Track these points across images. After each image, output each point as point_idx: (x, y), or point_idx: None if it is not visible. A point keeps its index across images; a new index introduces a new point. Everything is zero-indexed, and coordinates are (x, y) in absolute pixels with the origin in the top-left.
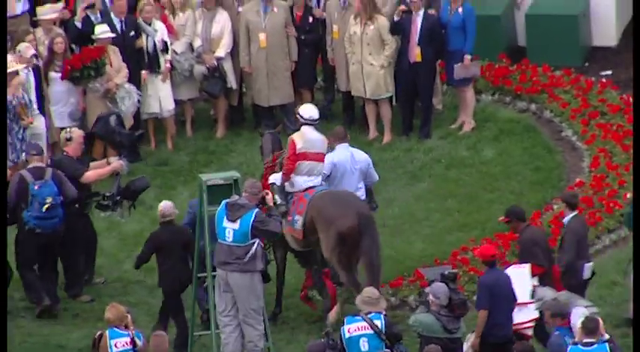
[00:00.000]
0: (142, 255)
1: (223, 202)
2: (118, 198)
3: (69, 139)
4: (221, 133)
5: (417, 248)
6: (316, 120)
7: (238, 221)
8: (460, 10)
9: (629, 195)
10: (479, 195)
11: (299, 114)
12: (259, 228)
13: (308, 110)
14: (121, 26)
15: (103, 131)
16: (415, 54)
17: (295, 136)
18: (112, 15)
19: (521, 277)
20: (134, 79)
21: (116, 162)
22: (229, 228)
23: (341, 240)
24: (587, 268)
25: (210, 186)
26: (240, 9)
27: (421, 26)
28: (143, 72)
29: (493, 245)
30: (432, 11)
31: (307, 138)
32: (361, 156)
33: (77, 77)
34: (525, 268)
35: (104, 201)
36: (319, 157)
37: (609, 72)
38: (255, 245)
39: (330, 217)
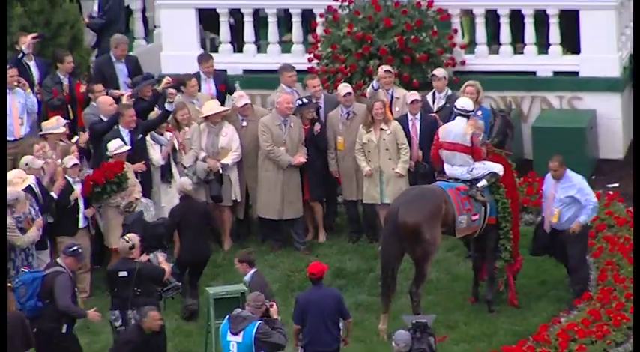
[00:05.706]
0: (167, 231)
1: (227, 316)
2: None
3: (133, 247)
4: (227, 246)
5: None
6: (469, 111)
7: (241, 333)
8: (479, 112)
9: None
10: (484, 308)
11: (454, 105)
12: (262, 339)
13: (461, 101)
14: (130, 138)
15: (143, 228)
16: (418, 157)
17: (442, 126)
18: (121, 127)
19: None
20: (146, 191)
21: (163, 261)
22: (233, 341)
23: None
24: None
25: (217, 299)
26: (244, 123)
27: (420, 129)
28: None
29: (323, 265)
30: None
31: (446, 129)
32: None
33: (99, 193)
34: None
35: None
36: (454, 147)
37: (616, 184)
38: None
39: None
